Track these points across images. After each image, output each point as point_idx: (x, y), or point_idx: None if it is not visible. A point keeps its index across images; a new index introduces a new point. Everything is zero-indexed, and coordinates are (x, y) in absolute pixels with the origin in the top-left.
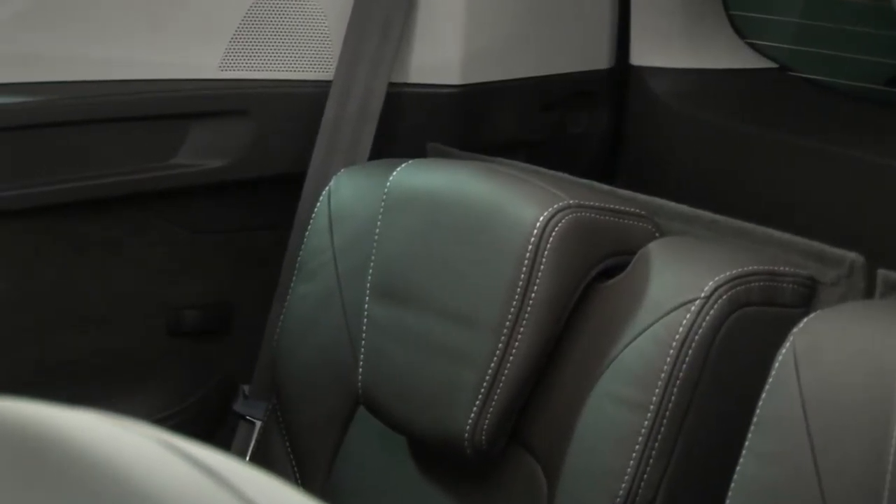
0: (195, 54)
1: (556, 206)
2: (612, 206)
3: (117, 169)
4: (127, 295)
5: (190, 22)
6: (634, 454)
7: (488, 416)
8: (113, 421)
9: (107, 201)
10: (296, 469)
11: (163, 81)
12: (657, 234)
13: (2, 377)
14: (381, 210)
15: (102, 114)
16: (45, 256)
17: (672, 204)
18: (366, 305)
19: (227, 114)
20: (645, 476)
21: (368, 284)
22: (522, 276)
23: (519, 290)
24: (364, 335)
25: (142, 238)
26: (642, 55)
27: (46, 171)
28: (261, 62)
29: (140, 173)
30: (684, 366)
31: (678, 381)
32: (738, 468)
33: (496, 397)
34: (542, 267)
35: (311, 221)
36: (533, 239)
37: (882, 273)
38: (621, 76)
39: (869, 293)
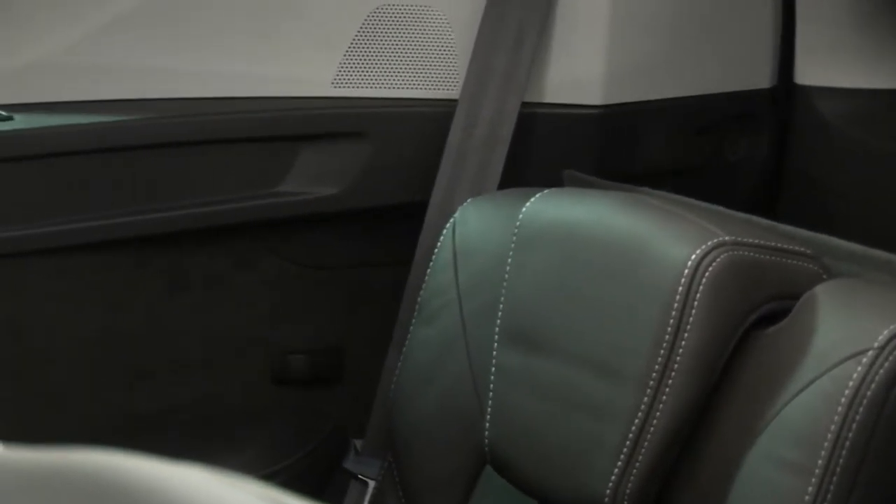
0: (306, 69)
1: (709, 243)
2: (773, 243)
3: (219, 196)
4: (228, 337)
5: (300, 33)
6: None
7: (631, 478)
8: (214, 477)
9: (207, 232)
10: None
11: (270, 99)
12: (824, 276)
13: (91, 426)
14: (512, 245)
15: (204, 135)
16: (138, 293)
17: (841, 242)
18: (493, 352)
19: (341, 136)
20: None
21: (497, 328)
22: (671, 321)
23: (667, 337)
24: (491, 385)
25: (245, 273)
26: (808, 73)
27: (141, 198)
28: (378, 78)
29: (244, 201)
30: (854, 425)
31: (847, 443)
32: None
33: (640, 457)
34: (693, 311)
35: (434, 257)
36: (683, 280)
37: None
38: (785, 96)
39: None
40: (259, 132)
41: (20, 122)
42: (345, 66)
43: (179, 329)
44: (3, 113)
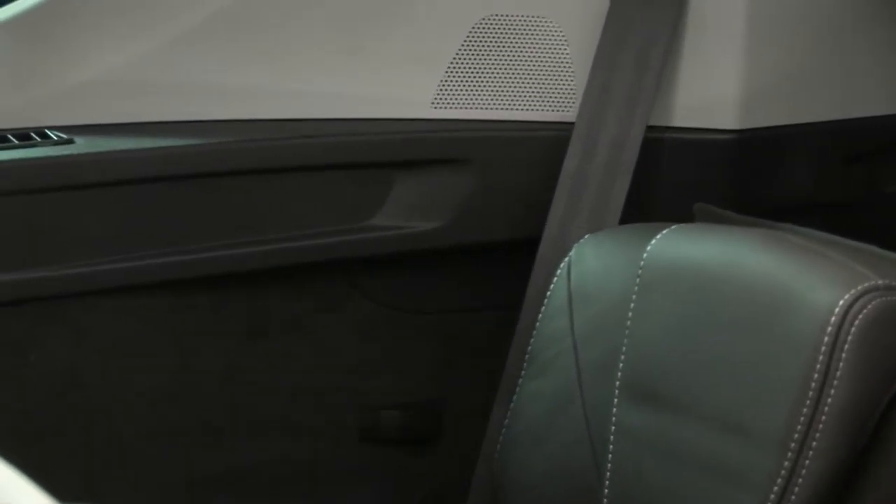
0: (402, 88)
1: (860, 286)
2: None
3: (304, 230)
4: (311, 389)
5: (395, 48)
6: None
7: None
8: None
9: (289, 270)
10: None
11: (361, 121)
12: None
13: (157, 487)
14: (636, 288)
15: (286, 161)
16: (211, 338)
17: None
18: (613, 408)
19: (442, 163)
20: None
21: (617, 382)
22: (816, 375)
23: (811, 393)
24: (611, 447)
25: (332, 317)
26: None
27: (215, 232)
28: (484, 99)
29: (332, 236)
30: None
31: None
32: None
33: None
34: (841, 364)
35: (546, 300)
36: (830, 329)
37: None
38: None
39: None
40: (349, 158)
41: (81, 145)
42: (446, 84)
43: (257, 379)
44: (62, 135)
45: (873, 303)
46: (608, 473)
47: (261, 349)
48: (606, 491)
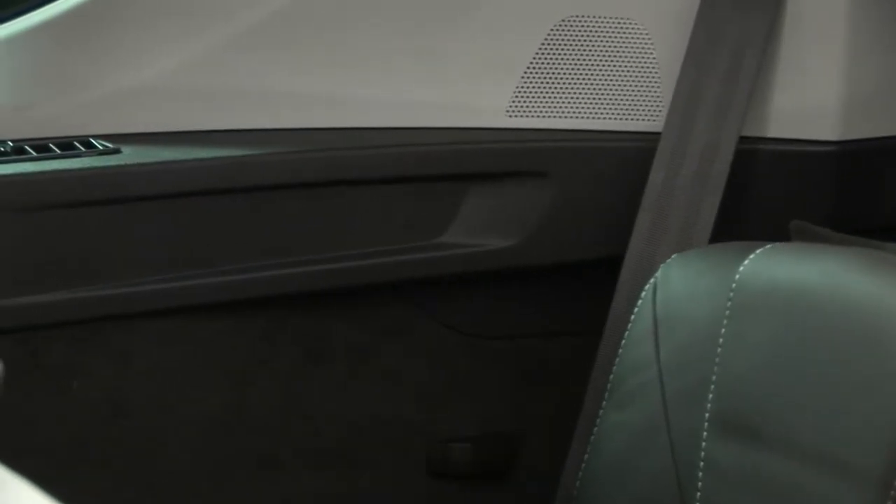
0: (474, 95)
1: None
2: None
3: (368, 248)
4: (375, 420)
5: (467, 52)
6: None
7: None
8: None
9: (352, 292)
10: None
11: (429, 131)
12: None
13: None
14: (727, 312)
15: (349, 173)
16: (267, 365)
17: None
18: (702, 443)
19: (517, 176)
20: None
21: (707, 414)
22: None
23: None
24: (700, 484)
25: (397, 343)
26: None
27: (273, 249)
28: (563, 107)
29: (398, 255)
30: None
31: None
32: None
33: None
34: None
35: (630, 325)
36: None
37: None
38: None
39: None
40: (416, 171)
41: (128, 155)
42: (522, 91)
43: (316, 409)
44: (108, 144)
45: None
46: None
47: (320, 376)
48: None
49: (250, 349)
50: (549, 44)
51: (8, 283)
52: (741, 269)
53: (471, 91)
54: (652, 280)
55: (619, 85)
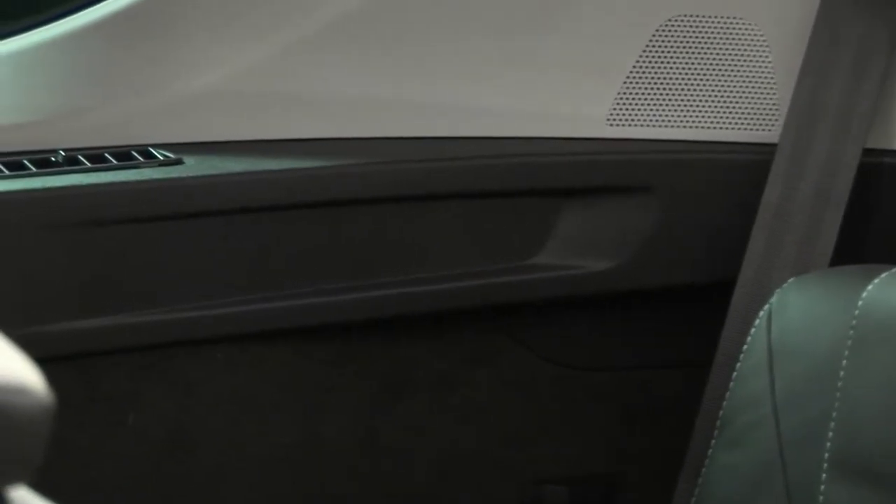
0: (571, 102)
1: None
2: None
3: (452, 270)
4: (460, 457)
5: (563, 55)
6: None
7: None
8: None
9: (434, 317)
10: None
11: (521, 141)
12: None
13: None
14: (849, 342)
15: (431, 188)
16: (341, 396)
17: None
18: (821, 486)
19: (618, 191)
20: None
21: (826, 455)
22: None
23: None
24: None
25: (484, 373)
26: None
27: (348, 270)
28: (669, 115)
29: (486, 277)
30: None
31: None
32: None
33: None
34: None
35: (741, 356)
36: None
37: None
38: None
39: None
40: (506, 185)
41: (191, 166)
42: (624, 98)
43: (395, 445)
44: (170, 155)
45: None
46: None
47: (399, 410)
48: None
49: (323, 379)
50: (653, 46)
51: (61, 306)
52: (864, 294)
53: (567, 98)
54: (766, 306)
55: (731, 91)
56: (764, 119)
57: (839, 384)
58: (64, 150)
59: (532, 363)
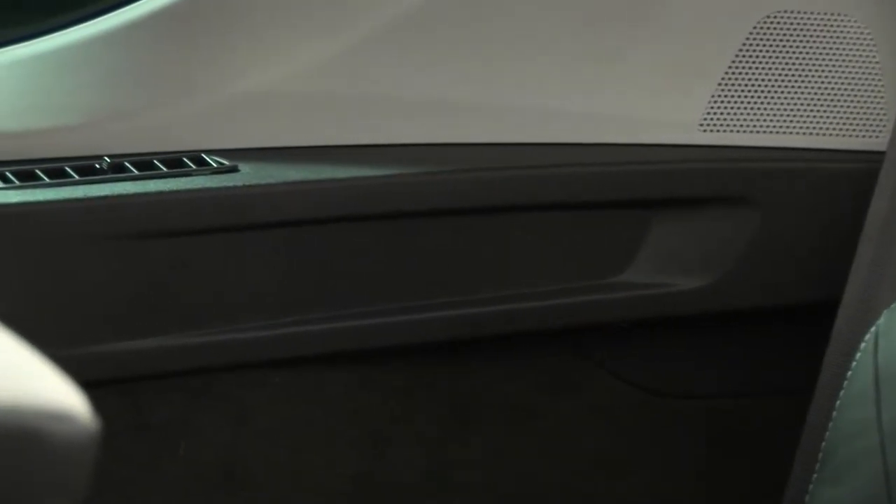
0: (661, 106)
1: None
2: None
3: (529, 287)
4: (538, 491)
5: (654, 54)
6: None
7: None
8: None
9: (510, 340)
10: None
11: (606, 148)
12: None
13: None
14: None
15: (508, 198)
16: (406, 425)
17: None
18: None
19: (713, 202)
20: None
21: None
22: None
23: None
24: None
25: (563, 400)
26: None
27: (415, 288)
28: (767, 120)
29: (566, 296)
30: None
31: None
32: None
33: None
34: None
35: (845, 383)
36: None
37: None
38: None
39: None
40: (590, 196)
41: (247, 174)
42: (718, 101)
43: (468, 479)
44: (224, 161)
45: None
46: None
47: (470, 440)
48: None
49: (388, 407)
50: (750, 45)
51: (106, 326)
52: None
53: (657, 101)
54: (873, 328)
55: (834, 94)
56: (870, 125)
57: None
58: (109, 156)
59: (616, 390)
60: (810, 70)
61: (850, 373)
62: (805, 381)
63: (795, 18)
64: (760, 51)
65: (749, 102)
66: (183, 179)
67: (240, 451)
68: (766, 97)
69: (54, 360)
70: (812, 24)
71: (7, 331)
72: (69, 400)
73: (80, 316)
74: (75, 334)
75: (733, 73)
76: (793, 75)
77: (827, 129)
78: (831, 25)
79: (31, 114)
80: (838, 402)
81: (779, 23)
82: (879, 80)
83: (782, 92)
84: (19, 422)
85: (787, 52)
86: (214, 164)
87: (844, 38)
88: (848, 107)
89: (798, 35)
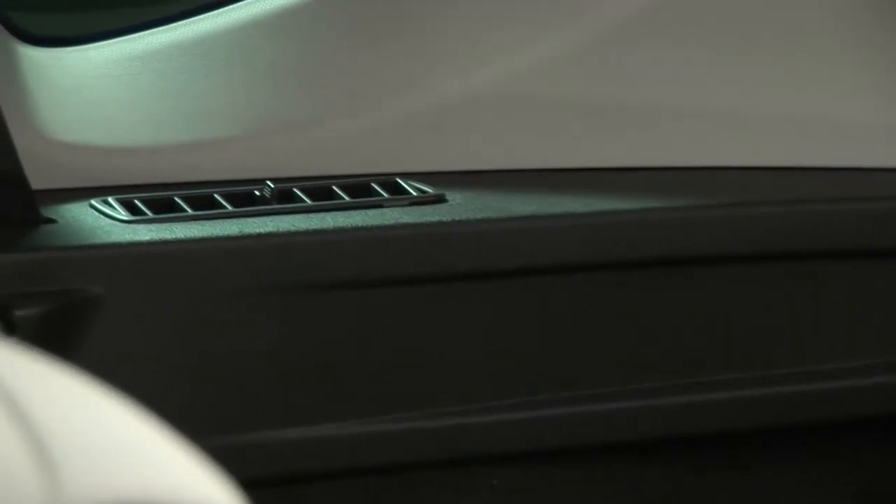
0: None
1: None
2: None
3: (843, 362)
4: None
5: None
6: None
7: None
8: None
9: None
10: None
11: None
12: None
13: None
14: None
15: (818, 240)
16: None
17: None
18: None
19: None
20: None
21: None
22: None
23: None
24: None
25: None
26: None
27: (682, 360)
28: None
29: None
30: None
31: None
32: None
33: None
34: None
35: None
36: None
37: None
38: None
39: None
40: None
41: (458, 205)
42: None
43: None
44: (427, 189)
45: None
46: None
47: None
48: None
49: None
50: None
51: (266, 409)
52: None
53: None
54: None
55: None
56: None
57: None
58: (273, 180)
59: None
60: None
61: None
62: None
63: None
64: None
65: None
66: (372, 212)
67: None
68: None
69: (205, 452)
70: None
71: (148, 415)
72: (221, 501)
73: (237, 396)
74: (229, 419)
75: None
76: None
77: None
78: None
79: (169, 122)
80: None
81: None
82: None
83: None
84: None
85: None
86: (414, 193)
87: None
88: None
89: None
